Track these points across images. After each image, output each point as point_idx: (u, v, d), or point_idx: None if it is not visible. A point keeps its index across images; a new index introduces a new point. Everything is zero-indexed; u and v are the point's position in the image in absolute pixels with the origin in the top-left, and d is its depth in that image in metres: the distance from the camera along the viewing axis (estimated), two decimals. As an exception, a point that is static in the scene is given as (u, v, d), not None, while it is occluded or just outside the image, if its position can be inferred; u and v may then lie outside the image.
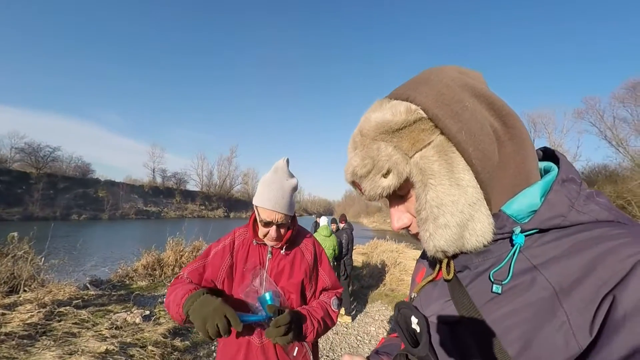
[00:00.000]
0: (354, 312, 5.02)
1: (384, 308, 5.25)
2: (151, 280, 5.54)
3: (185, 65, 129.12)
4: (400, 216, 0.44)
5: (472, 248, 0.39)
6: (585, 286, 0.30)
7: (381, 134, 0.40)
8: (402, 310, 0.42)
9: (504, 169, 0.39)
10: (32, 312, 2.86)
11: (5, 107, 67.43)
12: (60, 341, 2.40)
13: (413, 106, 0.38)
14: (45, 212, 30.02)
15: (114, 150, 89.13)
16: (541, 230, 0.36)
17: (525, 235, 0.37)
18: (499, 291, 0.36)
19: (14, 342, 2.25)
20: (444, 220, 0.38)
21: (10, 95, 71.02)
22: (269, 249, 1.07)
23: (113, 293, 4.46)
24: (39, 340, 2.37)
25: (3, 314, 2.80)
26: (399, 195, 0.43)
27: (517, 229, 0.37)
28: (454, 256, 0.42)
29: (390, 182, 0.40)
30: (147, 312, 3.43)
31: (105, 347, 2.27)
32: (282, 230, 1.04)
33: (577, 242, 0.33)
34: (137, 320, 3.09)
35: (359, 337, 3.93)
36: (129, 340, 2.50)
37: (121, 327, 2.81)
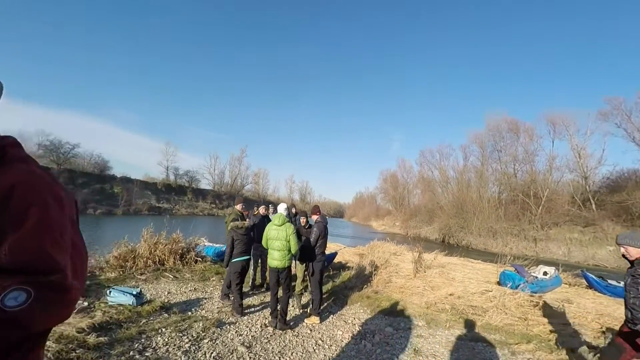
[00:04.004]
0: (326, 312, 4.63)
1: (361, 311, 4.81)
2: (121, 272, 5.39)
3: (198, 62, 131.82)
4: None
5: None
6: None
7: None
8: None
9: None
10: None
11: (31, 105, 71.53)
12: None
13: None
14: (64, 206, 31.60)
15: (132, 149, 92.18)
16: None
17: None
18: None
19: None
20: None
21: (36, 92, 75.06)
22: None
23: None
24: None
25: None
26: None
27: None
28: None
29: None
30: (86, 304, 3.21)
31: None
32: None
33: None
34: (67, 313, 2.87)
35: (320, 341, 3.53)
36: (36, 334, 2.28)
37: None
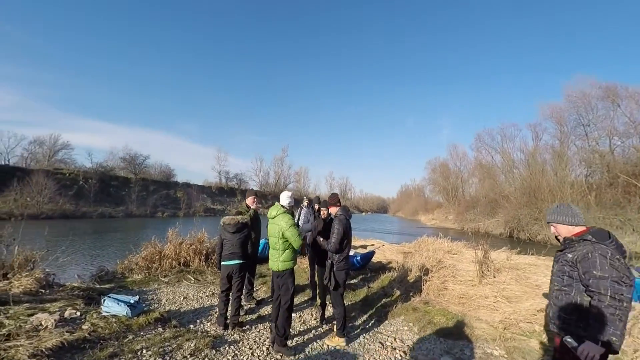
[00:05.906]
0: (357, 330, 3.64)
1: (405, 329, 3.68)
2: (147, 274, 5.30)
3: (244, 77, 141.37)
4: None
5: None
6: None
7: None
8: None
9: None
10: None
11: (116, 126, 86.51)
12: None
13: None
14: (140, 211, 36.82)
15: (194, 157, 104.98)
16: None
17: None
18: None
19: None
20: None
21: (120, 115, 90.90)
22: None
23: (94, 287, 4.25)
24: None
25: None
26: None
27: None
28: None
29: None
30: (78, 314, 2.89)
31: None
32: None
33: None
34: (49, 325, 2.54)
35: (343, 378, 2.59)
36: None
37: (9, 335, 2.28)
